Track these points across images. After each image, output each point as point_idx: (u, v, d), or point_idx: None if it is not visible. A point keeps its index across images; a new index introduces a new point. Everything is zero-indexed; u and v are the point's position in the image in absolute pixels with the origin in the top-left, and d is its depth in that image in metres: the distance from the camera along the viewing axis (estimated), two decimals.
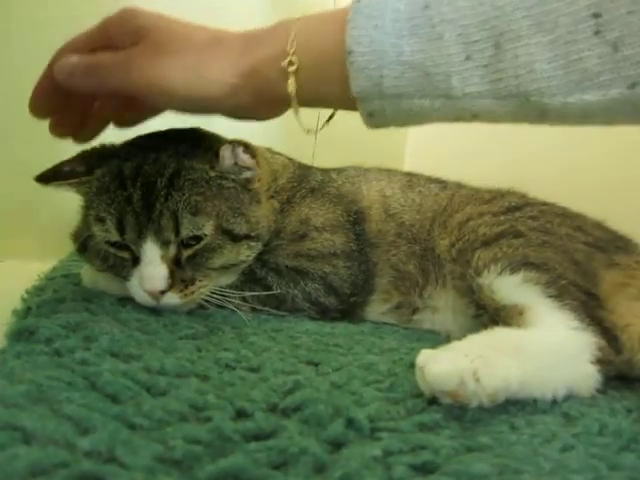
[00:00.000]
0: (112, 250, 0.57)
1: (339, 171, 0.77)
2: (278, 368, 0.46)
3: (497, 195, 0.69)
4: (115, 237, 0.56)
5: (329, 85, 0.47)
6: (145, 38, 0.50)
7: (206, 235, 0.56)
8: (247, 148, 0.59)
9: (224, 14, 0.94)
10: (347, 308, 0.66)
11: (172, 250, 0.56)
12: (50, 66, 0.53)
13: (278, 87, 0.48)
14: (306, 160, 0.79)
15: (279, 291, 0.62)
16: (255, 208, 0.61)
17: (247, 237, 0.59)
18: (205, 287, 0.58)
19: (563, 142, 0.86)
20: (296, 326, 0.60)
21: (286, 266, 0.64)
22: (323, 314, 0.64)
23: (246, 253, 0.60)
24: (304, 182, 0.71)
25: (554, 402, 0.45)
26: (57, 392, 0.35)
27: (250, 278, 0.62)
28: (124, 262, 0.57)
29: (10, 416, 0.30)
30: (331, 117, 0.55)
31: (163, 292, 0.55)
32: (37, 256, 0.77)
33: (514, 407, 0.42)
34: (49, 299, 0.55)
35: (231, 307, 0.59)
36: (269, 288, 0.62)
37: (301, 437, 0.34)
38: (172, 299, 0.55)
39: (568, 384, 0.46)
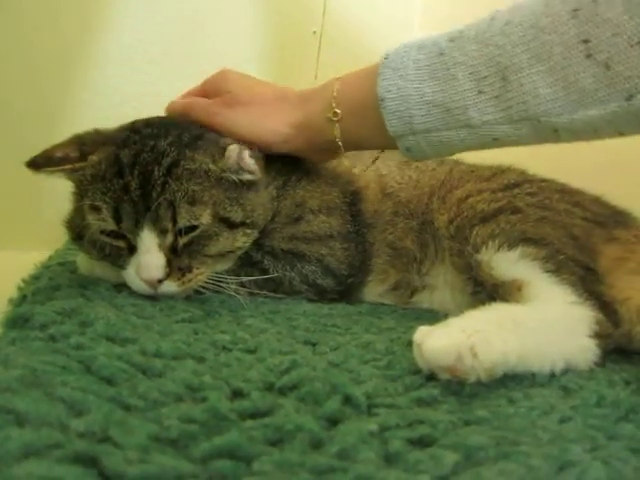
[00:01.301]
0: (107, 239, 0.56)
1: None
2: (275, 349, 0.46)
3: (497, 172, 0.69)
4: (111, 226, 0.55)
5: (368, 129, 0.57)
6: (229, 92, 0.63)
7: (203, 224, 0.55)
8: (254, 152, 0.59)
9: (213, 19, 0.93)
10: (344, 289, 0.66)
11: (169, 238, 0.55)
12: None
13: (326, 134, 0.59)
14: None
15: (276, 274, 0.62)
16: (252, 196, 0.60)
17: (243, 224, 0.59)
18: (202, 274, 0.57)
19: None
20: (294, 308, 0.59)
21: (282, 249, 0.63)
22: (321, 296, 0.64)
23: (242, 240, 0.59)
24: (299, 164, 0.70)
25: (552, 376, 0.44)
26: (51, 376, 0.34)
27: (247, 262, 0.62)
28: (120, 251, 0.56)
29: (3, 400, 0.30)
30: (377, 158, 0.66)
31: (160, 281, 0.54)
32: (34, 246, 0.76)
33: (512, 381, 0.42)
34: (45, 287, 0.55)
35: (228, 292, 0.59)
36: (266, 272, 0.62)
37: (297, 414, 0.33)
38: (170, 287, 0.55)
39: (566, 358, 0.46)
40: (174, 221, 0.54)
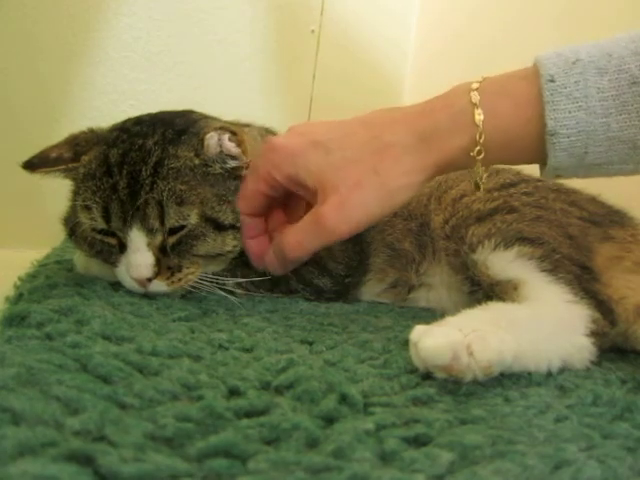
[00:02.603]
0: (99, 237, 0.57)
1: None
2: (272, 347, 0.46)
3: (492, 172, 0.69)
4: (101, 225, 0.55)
5: (514, 158, 0.49)
6: (323, 190, 0.47)
7: (191, 224, 0.55)
8: (234, 135, 0.56)
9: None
10: (342, 289, 0.66)
11: (158, 238, 0.55)
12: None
13: (463, 168, 0.49)
14: None
15: (273, 276, 0.61)
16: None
17: (233, 227, 0.57)
18: (192, 274, 0.57)
19: None
20: (290, 307, 0.60)
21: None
22: (318, 295, 0.64)
23: (232, 243, 0.58)
24: None
25: (549, 375, 0.45)
26: (47, 374, 0.34)
27: (242, 263, 0.62)
28: (111, 249, 0.57)
29: None
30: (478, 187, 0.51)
31: (150, 279, 0.54)
32: (31, 245, 0.76)
33: (508, 380, 0.42)
34: (41, 285, 0.55)
35: (222, 294, 0.58)
36: (263, 272, 0.62)
37: (294, 413, 0.33)
38: (159, 286, 0.55)
39: (562, 357, 0.46)
40: (162, 221, 0.54)
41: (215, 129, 0.56)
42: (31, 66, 0.84)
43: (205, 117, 0.62)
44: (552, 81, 0.44)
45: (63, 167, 0.57)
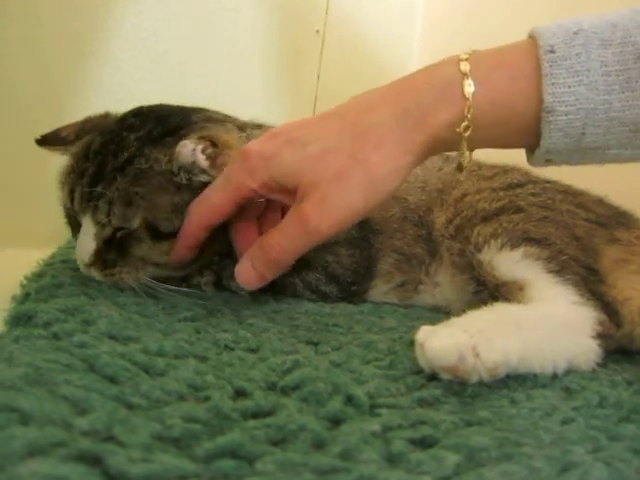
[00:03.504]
0: (69, 214, 0.59)
1: None
2: (277, 348, 0.46)
3: (499, 172, 0.68)
4: (68, 204, 0.57)
5: (505, 138, 0.44)
6: (303, 187, 0.44)
7: (133, 227, 0.54)
8: (214, 147, 0.52)
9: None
10: (348, 296, 0.65)
11: (106, 231, 0.55)
12: None
13: (450, 147, 0.45)
14: None
15: (279, 280, 0.61)
16: None
17: (174, 236, 0.54)
18: (127, 274, 0.56)
19: None
20: (295, 307, 0.60)
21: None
22: (324, 300, 0.64)
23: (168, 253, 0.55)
24: None
25: (554, 376, 0.44)
26: (55, 374, 0.34)
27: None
28: (75, 226, 0.58)
29: (7, 398, 0.30)
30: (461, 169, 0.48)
31: (88, 265, 0.56)
32: (37, 244, 0.76)
33: (514, 382, 0.42)
34: (47, 284, 0.55)
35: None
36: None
37: (300, 414, 0.34)
38: (95, 274, 0.56)
39: (568, 358, 0.46)
40: (109, 217, 0.54)
41: (196, 138, 0.53)
42: (38, 66, 0.84)
43: (208, 119, 0.60)
44: (552, 52, 0.40)
45: (63, 148, 0.59)
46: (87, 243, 0.55)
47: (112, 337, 0.43)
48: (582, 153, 0.43)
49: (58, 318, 0.45)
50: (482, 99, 0.42)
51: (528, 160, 0.46)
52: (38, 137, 0.59)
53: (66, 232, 0.65)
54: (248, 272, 0.49)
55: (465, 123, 0.42)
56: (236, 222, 0.53)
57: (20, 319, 0.46)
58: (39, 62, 0.84)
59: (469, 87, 0.41)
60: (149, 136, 0.56)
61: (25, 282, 0.58)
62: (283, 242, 0.46)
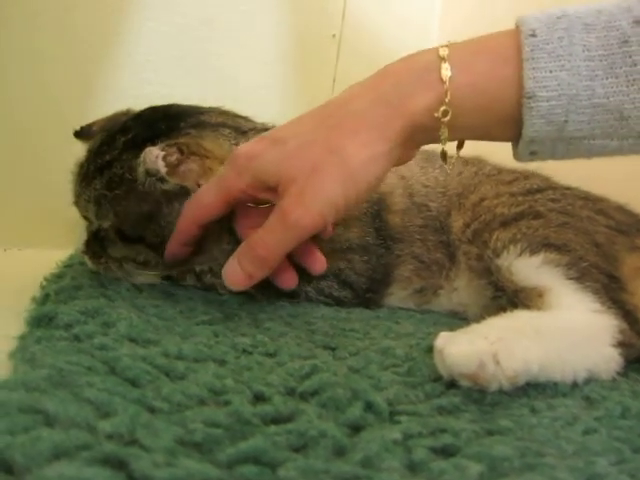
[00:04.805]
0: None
1: None
2: (295, 353, 0.46)
3: (519, 176, 0.67)
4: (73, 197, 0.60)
5: (487, 127, 0.43)
6: (283, 184, 0.44)
7: (104, 228, 0.58)
8: (181, 153, 0.51)
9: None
10: (363, 301, 0.64)
11: (92, 226, 0.59)
12: None
13: (431, 135, 0.44)
14: None
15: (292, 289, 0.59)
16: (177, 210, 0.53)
17: (143, 241, 0.55)
18: (113, 265, 0.58)
19: None
20: (312, 311, 0.59)
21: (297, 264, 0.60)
22: (339, 305, 0.63)
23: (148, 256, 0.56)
24: None
25: (575, 385, 0.44)
26: (77, 376, 0.35)
27: None
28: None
29: (32, 400, 0.30)
30: (461, 146, 0.47)
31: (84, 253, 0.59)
32: (55, 244, 0.77)
33: (534, 390, 0.42)
34: (67, 286, 0.55)
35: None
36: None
37: (320, 420, 0.33)
38: (88, 262, 0.59)
39: (589, 367, 0.45)
40: (88, 215, 0.58)
41: (164, 144, 0.52)
42: (55, 71, 0.85)
43: (199, 124, 0.58)
44: (533, 36, 0.39)
45: (85, 140, 0.62)
46: (82, 233, 0.60)
47: (132, 340, 0.43)
48: (567, 143, 0.42)
49: (78, 320, 0.46)
50: (461, 83, 0.41)
51: (514, 155, 0.45)
52: (76, 129, 0.62)
53: (83, 232, 0.66)
54: (235, 272, 0.49)
55: (443, 107, 0.41)
56: (244, 228, 0.53)
57: (41, 320, 0.46)
58: (56, 67, 0.85)
59: (446, 71, 0.41)
60: (133, 141, 0.56)
61: (44, 283, 0.59)
62: (267, 238, 0.46)
